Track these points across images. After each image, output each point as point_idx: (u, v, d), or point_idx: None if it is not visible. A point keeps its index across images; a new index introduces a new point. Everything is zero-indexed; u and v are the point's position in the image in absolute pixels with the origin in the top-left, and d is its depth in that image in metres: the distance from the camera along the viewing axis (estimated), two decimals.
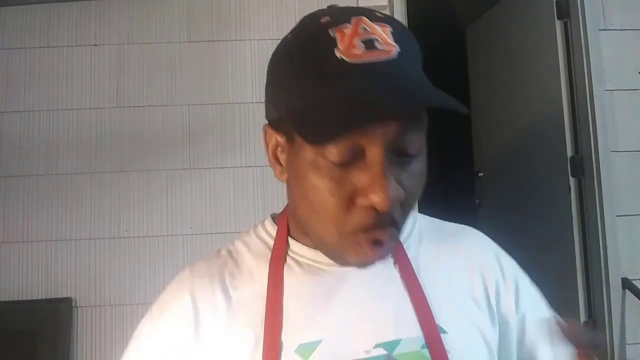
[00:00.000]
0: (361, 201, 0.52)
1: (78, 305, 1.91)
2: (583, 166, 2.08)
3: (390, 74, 0.50)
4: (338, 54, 0.51)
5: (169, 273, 2.07)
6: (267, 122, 0.61)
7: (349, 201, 0.53)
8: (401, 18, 2.08)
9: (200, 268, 0.66)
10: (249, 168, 2.01)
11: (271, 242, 0.65)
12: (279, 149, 0.59)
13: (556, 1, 2.18)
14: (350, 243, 0.55)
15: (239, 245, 0.67)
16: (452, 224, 0.73)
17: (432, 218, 0.73)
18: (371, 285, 0.61)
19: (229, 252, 0.66)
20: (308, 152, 0.53)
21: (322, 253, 0.60)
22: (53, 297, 1.90)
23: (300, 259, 0.63)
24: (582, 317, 2.06)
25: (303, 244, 0.63)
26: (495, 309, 0.64)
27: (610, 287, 1.95)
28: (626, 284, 1.94)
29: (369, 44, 0.51)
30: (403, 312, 0.59)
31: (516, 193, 2.57)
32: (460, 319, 0.61)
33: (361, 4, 2.06)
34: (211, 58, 2.05)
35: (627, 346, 1.91)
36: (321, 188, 0.53)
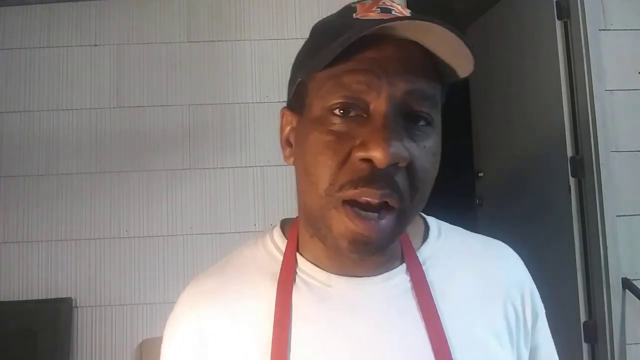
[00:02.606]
0: (358, 154, 0.48)
1: (78, 305, 1.91)
2: (583, 166, 2.08)
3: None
4: (354, 16, 0.53)
5: (169, 273, 2.09)
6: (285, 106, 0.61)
7: (346, 156, 0.49)
8: None
9: (205, 285, 0.62)
10: (249, 168, 2.01)
11: (279, 258, 0.61)
12: (290, 129, 0.58)
13: (556, 1, 2.18)
14: (336, 204, 0.50)
15: (246, 257, 0.63)
16: (482, 239, 0.66)
17: (460, 229, 0.67)
18: (386, 311, 0.56)
19: (235, 267, 0.62)
20: (314, 109, 0.52)
21: (319, 241, 0.55)
22: (53, 297, 1.90)
23: (310, 280, 0.58)
24: (582, 317, 2.06)
25: (313, 263, 0.59)
26: (515, 341, 0.60)
27: (610, 287, 1.95)
28: (626, 284, 1.94)
29: (385, 10, 0.53)
30: (418, 343, 0.54)
31: (516, 193, 2.57)
32: (479, 357, 0.56)
33: None
34: (211, 58, 2.05)
35: (627, 346, 1.91)
36: (320, 143, 0.51)
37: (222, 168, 2.01)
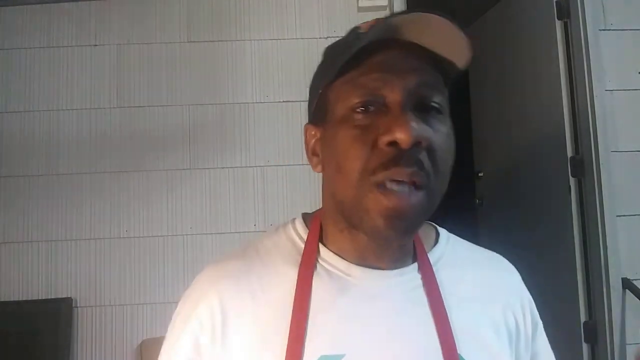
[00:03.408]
0: (384, 139, 0.53)
1: (78, 305, 1.91)
2: (583, 166, 2.08)
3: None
4: (359, 32, 0.58)
5: (169, 273, 2.09)
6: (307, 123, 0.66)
7: (373, 145, 0.54)
8: None
9: (227, 266, 0.64)
10: (249, 168, 2.01)
11: (301, 246, 0.64)
12: (315, 141, 0.64)
13: (556, 1, 2.18)
14: (371, 187, 0.54)
15: (268, 244, 0.65)
16: (484, 251, 0.72)
17: (465, 241, 0.72)
18: (400, 304, 0.60)
19: (257, 251, 0.65)
20: (338, 111, 0.57)
21: (354, 229, 0.59)
22: (53, 297, 1.90)
23: (331, 269, 0.61)
24: (582, 317, 2.06)
25: (335, 253, 0.62)
26: (514, 346, 0.64)
27: (610, 287, 1.95)
28: (626, 284, 1.94)
29: (391, 16, 0.57)
30: (428, 337, 0.58)
31: (516, 193, 2.57)
32: (481, 350, 0.60)
33: (361, 5, 2.06)
34: (211, 58, 2.05)
35: (627, 346, 1.91)
36: (347, 137, 0.55)
37: (222, 168, 2.01)
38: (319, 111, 0.62)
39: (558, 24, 2.18)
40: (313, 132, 0.64)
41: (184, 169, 2.00)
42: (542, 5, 2.26)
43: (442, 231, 0.70)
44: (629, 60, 2.05)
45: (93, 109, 2.02)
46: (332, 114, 0.59)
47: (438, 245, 0.67)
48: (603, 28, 2.06)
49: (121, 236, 1.96)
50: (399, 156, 0.53)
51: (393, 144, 0.53)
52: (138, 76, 2.04)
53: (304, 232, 0.65)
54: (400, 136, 0.52)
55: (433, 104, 0.56)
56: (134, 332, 1.89)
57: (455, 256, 0.67)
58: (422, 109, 0.55)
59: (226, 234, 1.97)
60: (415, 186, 0.54)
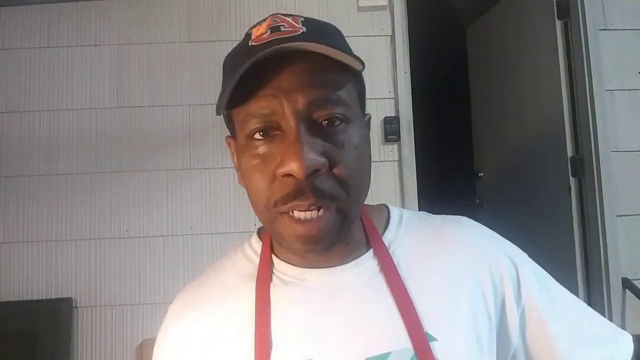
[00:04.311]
0: (280, 171, 0.53)
1: (78, 305, 1.91)
2: (583, 166, 2.08)
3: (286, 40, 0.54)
4: (250, 43, 0.56)
5: (169, 273, 2.08)
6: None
7: (272, 175, 0.54)
8: (401, 18, 2.08)
9: (190, 297, 0.66)
10: None
11: (257, 260, 0.65)
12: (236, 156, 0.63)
13: (556, 1, 2.18)
14: (277, 215, 0.55)
15: (227, 264, 0.67)
16: (440, 217, 0.70)
17: (420, 213, 0.71)
18: (359, 296, 0.60)
19: (217, 274, 0.67)
20: (240, 138, 0.57)
21: (285, 248, 0.59)
22: (53, 297, 1.90)
23: (286, 278, 0.62)
24: None
25: (286, 262, 0.63)
26: (491, 306, 0.62)
27: (610, 287, 1.95)
28: (626, 284, 1.94)
29: (275, 29, 0.55)
30: (392, 322, 0.58)
31: (516, 193, 2.57)
32: (451, 324, 0.59)
33: (361, 5, 2.06)
34: (211, 58, 2.05)
35: None
36: (250, 167, 0.56)
37: (222, 168, 2.01)
38: (229, 128, 0.62)
39: (558, 24, 2.18)
40: (233, 146, 0.63)
41: (184, 169, 2.00)
42: (542, 5, 2.26)
43: (394, 210, 0.69)
44: (629, 60, 2.05)
45: (93, 109, 2.02)
46: (237, 136, 0.59)
47: (389, 227, 0.66)
48: (603, 28, 2.06)
49: (121, 236, 1.96)
50: (298, 187, 0.53)
51: (290, 174, 0.52)
52: (138, 76, 2.04)
53: (258, 247, 0.66)
54: (294, 168, 0.51)
55: (336, 114, 0.55)
56: (134, 332, 1.90)
57: (410, 233, 0.66)
58: (321, 124, 0.55)
59: (226, 234, 1.97)
60: (323, 209, 0.54)
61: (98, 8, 2.06)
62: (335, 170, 0.54)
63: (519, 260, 0.67)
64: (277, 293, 0.61)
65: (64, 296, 1.90)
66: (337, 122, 0.55)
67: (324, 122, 0.55)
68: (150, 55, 2.05)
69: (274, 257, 0.64)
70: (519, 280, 0.64)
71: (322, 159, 0.53)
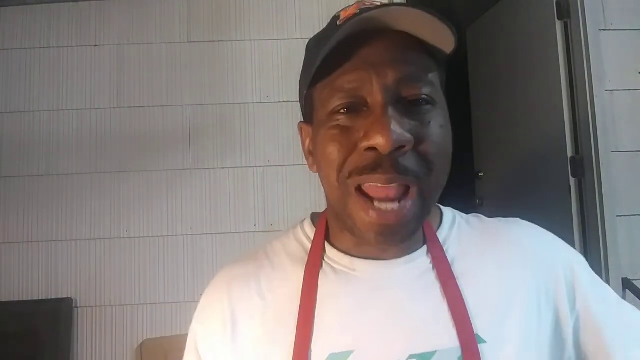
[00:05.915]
0: (363, 144, 0.51)
1: (78, 305, 1.91)
2: (583, 166, 2.08)
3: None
4: (338, 23, 0.55)
5: (169, 273, 2.08)
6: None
7: (352, 147, 0.53)
8: None
9: (237, 269, 0.66)
10: (249, 168, 2.00)
11: (308, 245, 0.64)
12: (310, 140, 0.62)
13: (556, 1, 2.18)
14: (350, 190, 0.53)
15: (277, 246, 0.67)
16: (496, 220, 0.68)
17: (473, 215, 0.69)
18: (408, 292, 0.58)
19: (267, 254, 0.66)
20: (320, 115, 0.56)
21: (350, 234, 0.58)
22: (53, 297, 1.90)
23: (336, 266, 0.61)
24: None
25: (339, 250, 0.62)
26: (545, 310, 0.59)
27: (611, 287, 1.94)
28: (626, 284, 1.94)
29: (366, 10, 0.53)
30: (440, 321, 0.56)
31: (516, 193, 2.57)
32: (501, 327, 0.56)
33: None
34: (211, 58, 2.05)
35: None
36: (327, 137, 0.54)
37: (222, 168, 2.01)
38: (307, 110, 0.61)
39: (558, 24, 2.17)
40: (307, 131, 0.63)
41: (184, 169, 2.00)
42: (542, 5, 2.26)
43: (446, 210, 0.68)
44: (629, 60, 2.05)
45: (93, 109, 2.02)
46: (317, 116, 0.58)
47: (442, 225, 0.65)
48: (603, 28, 2.06)
49: (121, 236, 1.96)
50: (377, 162, 0.51)
51: (373, 149, 0.51)
52: (138, 76, 2.04)
53: (311, 232, 0.66)
54: (379, 142, 0.50)
55: (423, 95, 0.53)
56: (134, 332, 1.89)
57: (465, 232, 0.64)
58: (408, 103, 0.53)
59: (226, 234, 1.97)
60: (405, 194, 0.52)
61: (98, 8, 2.06)
62: (420, 148, 0.52)
63: (576, 262, 0.65)
64: (325, 280, 0.60)
65: (64, 296, 1.90)
66: (423, 103, 0.54)
67: (411, 101, 0.53)
68: (150, 55, 2.05)
69: (327, 244, 0.63)
70: (574, 283, 0.62)
71: (409, 136, 0.51)
